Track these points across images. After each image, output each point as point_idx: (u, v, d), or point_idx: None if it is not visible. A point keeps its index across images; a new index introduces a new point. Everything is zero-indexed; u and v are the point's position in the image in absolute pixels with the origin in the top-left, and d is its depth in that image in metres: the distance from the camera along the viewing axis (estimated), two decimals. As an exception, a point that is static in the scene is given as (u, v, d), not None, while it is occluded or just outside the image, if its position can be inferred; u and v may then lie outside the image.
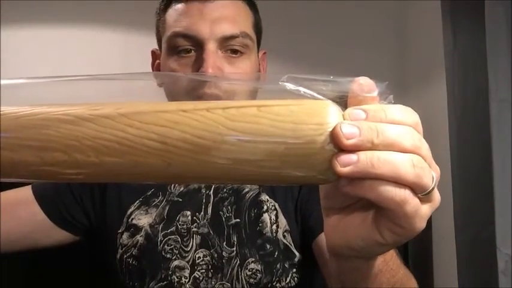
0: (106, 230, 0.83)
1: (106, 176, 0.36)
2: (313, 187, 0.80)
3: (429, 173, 0.34)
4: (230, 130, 0.34)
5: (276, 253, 0.78)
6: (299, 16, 2.02)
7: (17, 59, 1.89)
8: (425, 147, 0.35)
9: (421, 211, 0.34)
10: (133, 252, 0.80)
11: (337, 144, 0.33)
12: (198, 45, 0.75)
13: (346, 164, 0.33)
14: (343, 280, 0.45)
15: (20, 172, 0.36)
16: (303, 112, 0.34)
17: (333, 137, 0.33)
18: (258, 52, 0.84)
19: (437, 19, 1.51)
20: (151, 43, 2.20)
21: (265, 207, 0.81)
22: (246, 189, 0.82)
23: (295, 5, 1.96)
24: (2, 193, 0.82)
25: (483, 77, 1.25)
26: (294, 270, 0.79)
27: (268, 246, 0.78)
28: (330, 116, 0.34)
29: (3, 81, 0.38)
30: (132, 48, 1.98)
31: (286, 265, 0.79)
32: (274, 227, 0.80)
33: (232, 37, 0.75)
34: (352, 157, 0.33)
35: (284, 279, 0.78)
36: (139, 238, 0.80)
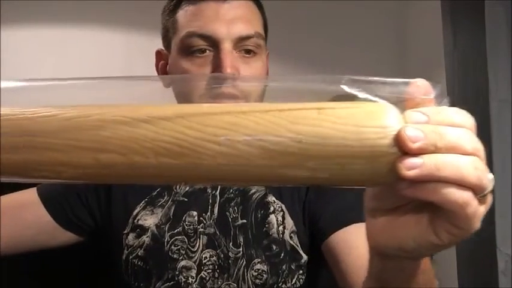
0: (111, 231, 0.83)
1: (163, 179, 0.36)
2: (321, 189, 0.80)
3: (487, 174, 0.35)
4: (291, 133, 0.34)
5: (282, 254, 0.78)
6: (299, 16, 2.02)
7: (17, 59, 1.89)
8: (482, 149, 0.35)
9: (479, 212, 0.35)
10: (139, 253, 0.80)
11: (401, 148, 0.33)
12: (214, 45, 0.75)
13: (411, 167, 0.33)
14: (386, 280, 0.45)
15: (75, 174, 0.36)
16: (364, 115, 0.34)
17: (398, 140, 0.33)
18: (265, 51, 0.83)
19: (437, 19, 1.52)
20: (151, 43, 2.19)
21: (271, 208, 0.81)
22: (253, 190, 0.82)
23: (295, 5, 1.96)
24: (6, 196, 0.82)
25: (483, 77, 1.25)
26: (300, 271, 0.79)
27: (274, 247, 0.78)
28: (392, 118, 0.34)
29: (3, 84, 0.38)
30: (132, 48, 1.98)
31: (293, 266, 0.79)
32: (280, 228, 0.79)
33: (247, 37, 0.76)
34: (418, 160, 0.33)
35: (290, 281, 0.78)
36: (146, 239, 0.80)
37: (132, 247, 0.81)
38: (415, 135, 0.33)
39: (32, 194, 0.83)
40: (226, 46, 0.74)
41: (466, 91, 1.36)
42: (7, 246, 0.78)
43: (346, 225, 0.76)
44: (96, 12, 1.97)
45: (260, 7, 0.83)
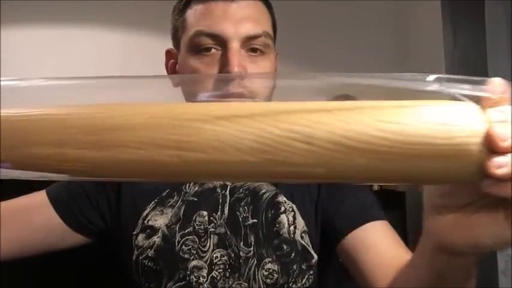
0: (121, 232, 0.82)
1: (245, 176, 0.38)
2: (333, 188, 0.81)
3: None
4: (380, 132, 0.34)
5: (293, 254, 0.79)
6: (299, 16, 2.02)
7: (17, 59, 1.89)
8: None
9: None
10: (150, 254, 0.80)
11: (491, 146, 0.33)
12: (222, 44, 0.76)
13: (501, 165, 0.34)
14: (447, 277, 0.47)
15: (156, 173, 0.37)
16: (451, 113, 0.34)
17: (488, 138, 0.34)
18: (274, 52, 0.84)
19: (437, 19, 1.52)
20: (151, 43, 2.19)
21: (282, 208, 0.81)
22: (263, 190, 0.82)
23: (294, 5, 1.96)
24: (14, 199, 0.80)
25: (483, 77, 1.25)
26: (311, 272, 0.79)
27: (285, 246, 0.79)
28: (478, 117, 0.34)
29: (3, 82, 0.38)
30: (131, 48, 1.99)
31: (303, 266, 0.79)
32: (292, 228, 0.80)
33: (255, 37, 0.76)
34: (506, 159, 0.34)
35: (300, 280, 0.79)
36: (156, 239, 0.80)
37: (142, 248, 0.80)
38: (504, 134, 0.34)
39: (40, 196, 0.83)
40: (234, 45, 0.75)
41: (466, 91, 1.36)
42: (16, 249, 0.78)
43: (362, 224, 0.76)
44: (96, 12, 1.97)
45: (269, 7, 0.83)
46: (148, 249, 0.80)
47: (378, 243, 0.75)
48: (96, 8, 1.96)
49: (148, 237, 0.81)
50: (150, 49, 2.00)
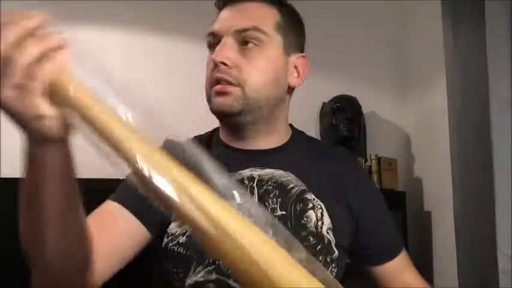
0: (160, 222, 0.83)
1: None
2: (367, 198, 0.94)
3: None
4: None
5: (319, 246, 0.84)
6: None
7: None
8: None
9: None
10: (181, 240, 0.83)
11: None
12: (219, 41, 0.86)
13: None
14: None
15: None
16: None
17: None
18: (288, 52, 0.90)
19: (437, 19, 1.52)
20: (150, 43, 2.18)
21: (310, 204, 0.86)
22: (291, 185, 0.87)
23: (294, 5, 1.96)
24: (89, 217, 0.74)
25: (483, 77, 1.25)
26: (333, 265, 0.85)
27: (312, 238, 0.84)
28: None
29: None
30: (131, 48, 1.98)
31: (328, 259, 0.85)
32: (319, 223, 0.86)
33: (244, 30, 0.85)
34: None
35: None
36: None
37: (174, 235, 0.84)
38: None
39: (109, 205, 0.83)
40: (224, 39, 0.85)
41: (466, 91, 1.36)
42: (114, 262, 0.78)
43: (395, 256, 0.92)
44: (96, 12, 1.97)
45: (281, 10, 0.91)
46: (180, 236, 0.84)
47: (400, 275, 0.93)
48: (97, 8, 1.96)
49: (181, 224, 0.83)
50: (151, 49, 2.00)
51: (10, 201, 0.96)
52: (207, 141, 0.96)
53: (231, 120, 0.88)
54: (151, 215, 0.81)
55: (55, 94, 0.48)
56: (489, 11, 1.24)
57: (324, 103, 2.01)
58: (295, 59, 0.91)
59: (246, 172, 0.87)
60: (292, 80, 0.91)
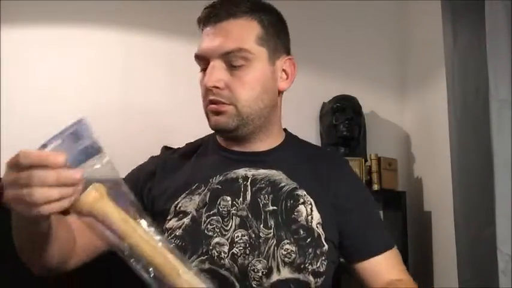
0: (156, 217, 0.91)
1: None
2: (353, 195, 0.98)
3: None
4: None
5: (309, 239, 0.88)
6: (299, 16, 2.02)
7: (17, 59, 1.89)
8: None
9: None
10: (177, 233, 0.90)
11: None
12: (207, 62, 0.91)
13: None
14: None
15: None
16: None
17: None
18: (273, 60, 0.95)
19: (437, 19, 1.52)
20: (150, 43, 2.19)
21: (301, 200, 0.91)
22: (283, 183, 0.93)
23: (294, 5, 1.96)
24: None
25: (483, 77, 1.25)
26: (323, 257, 0.89)
27: (302, 231, 0.89)
28: None
29: None
30: (131, 49, 1.98)
31: (318, 251, 0.88)
32: (309, 217, 0.90)
33: (229, 52, 0.90)
34: None
35: (315, 263, 0.88)
36: (186, 220, 0.90)
37: (172, 229, 0.91)
38: None
39: None
40: (213, 63, 0.90)
41: (466, 91, 1.35)
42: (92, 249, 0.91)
43: (379, 254, 0.93)
44: (96, 12, 1.97)
45: (261, 20, 0.94)
46: (177, 229, 0.90)
47: (386, 273, 0.92)
48: (96, 8, 1.96)
49: (180, 219, 0.91)
50: (150, 50, 2.00)
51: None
52: (199, 146, 1.04)
53: (228, 135, 0.96)
54: None
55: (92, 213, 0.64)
56: (489, 11, 1.24)
57: (324, 103, 2.01)
58: (282, 63, 0.97)
59: (241, 171, 0.94)
60: (282, 83, 0.98)
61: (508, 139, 1.20)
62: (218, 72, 0.90)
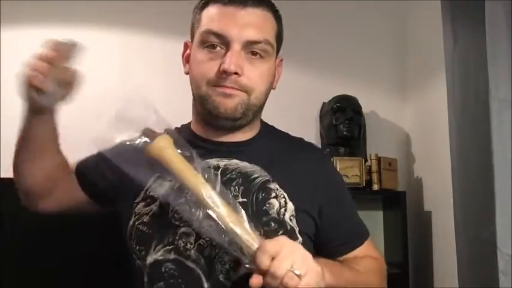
0: (124, 201, 0.93)
1: None
2: (332, 191, 0.98)
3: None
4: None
5: (281, 232, 0.87)
6: (299, 16, 2.02)
7: (17, 59, 1.89)
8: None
9: None
10: (145, 219, 0.88)
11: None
12: (226, 44, 0.87)
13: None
14: None
15: None
16: None
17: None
18: (275, 58, 0.96)
19: (437, 19, 1.52)
20: (150, 43, 2.18)
21: (273, 194, 0.89)
22: (255, 175, 0.90)
23: (294, 5, 1.96)
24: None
25: (483, 77, 1.25)
26: None
27: (273, 224, 0.87)
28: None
29: None
30: (130, 49, 1.98)
31: None
32: (282, 210, 0.88)
33: (256, 42, 0.88)
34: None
35: None
36: (154, 207, 0.89)
37: (140, 214, 0.90)
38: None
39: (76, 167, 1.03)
40: (235, 46, 0.87)
41: (466, 91, 1.35)
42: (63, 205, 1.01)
43: (355, 248, 0.96)
44: (96, 12, 1.97)
45: (277, 18, 0.94)
46: (145, 215, 0.89)
47: (362, 260, 0.95)
48: (96, 8, 1.96)
49: (147, 205, 0.90)
50: (149, 49, 2.00)
51: (10, 201, 0.97)
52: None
53: (226, 123, 0.91)
54: (93, 187, 1.00)
55: (160, 159, 0.80)
56: (489, 11, 1.24)
57: (324, 103, 2.01)
58: (277, 62, 0.97)
59: (213, 161, 0.91)
60: (274, 83, 0.97)
61: (508, 139, 1.20)
62: (240, 58, 0.87)
